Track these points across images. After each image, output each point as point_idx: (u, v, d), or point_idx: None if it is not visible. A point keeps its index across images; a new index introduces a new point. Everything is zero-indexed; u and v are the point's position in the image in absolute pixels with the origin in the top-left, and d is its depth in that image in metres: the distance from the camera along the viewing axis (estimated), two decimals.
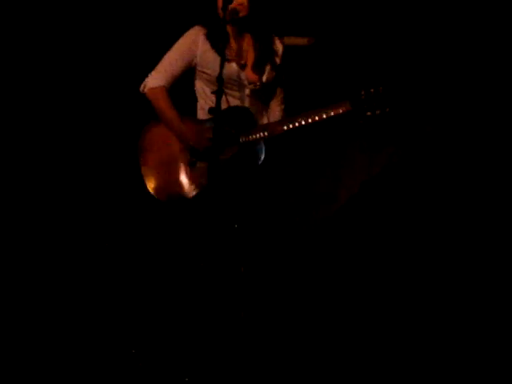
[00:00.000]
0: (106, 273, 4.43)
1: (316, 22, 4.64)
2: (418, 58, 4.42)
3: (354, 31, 4.62)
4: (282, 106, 3.84)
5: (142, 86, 3.77)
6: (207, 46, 3.68)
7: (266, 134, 3.59)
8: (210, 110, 3.39)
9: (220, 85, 3.37)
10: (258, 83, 3.71)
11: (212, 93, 3.46)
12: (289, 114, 3.79)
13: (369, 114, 3.41)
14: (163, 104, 3.74)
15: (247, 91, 3.71)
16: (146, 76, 3.76)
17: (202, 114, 3.78)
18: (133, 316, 4.16)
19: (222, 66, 3.40)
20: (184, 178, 3.72)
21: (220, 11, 3.53)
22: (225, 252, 3.66)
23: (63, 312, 4.20)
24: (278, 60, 3.76)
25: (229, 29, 3.68)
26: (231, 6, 3.51)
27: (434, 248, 4.26)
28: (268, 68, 3.73)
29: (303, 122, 3.51)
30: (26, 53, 4.50)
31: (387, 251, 4.33)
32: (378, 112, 3.40)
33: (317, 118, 3.47)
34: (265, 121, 3.77)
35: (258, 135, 3.60)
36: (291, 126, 3.54)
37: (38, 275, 4.39)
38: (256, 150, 3.64)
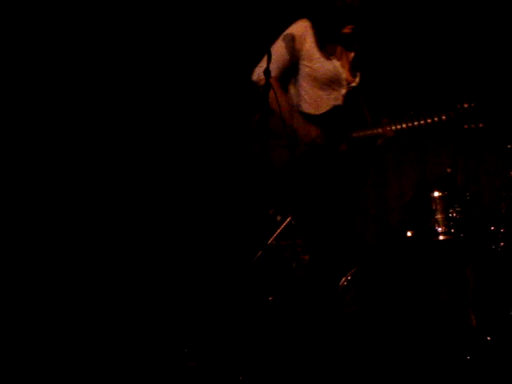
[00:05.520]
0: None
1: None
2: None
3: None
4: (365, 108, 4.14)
5: (256, 75, 3.90)
6: (314, 42, 3.90)
7: (379, 130, 3.98)
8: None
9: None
10: (352, 84, 4.00)
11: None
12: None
13: (465, 126, 3.91)
14: (278, 95, 3.79)
15: (343, 91, 3.98)
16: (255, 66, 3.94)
17: (305, 106, 3.98)
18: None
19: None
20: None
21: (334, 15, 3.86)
22: None
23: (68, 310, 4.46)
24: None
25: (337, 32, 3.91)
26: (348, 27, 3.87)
27: None
28: (360, 71, 4.02)
29: (411, 125, 3.93)
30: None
31: None
32: (473, 126, 3.88)
33: (422, 122, 3.91)
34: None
35: (369, 132, 3.97)
36: (400, 126, 3.96)
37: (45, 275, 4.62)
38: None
